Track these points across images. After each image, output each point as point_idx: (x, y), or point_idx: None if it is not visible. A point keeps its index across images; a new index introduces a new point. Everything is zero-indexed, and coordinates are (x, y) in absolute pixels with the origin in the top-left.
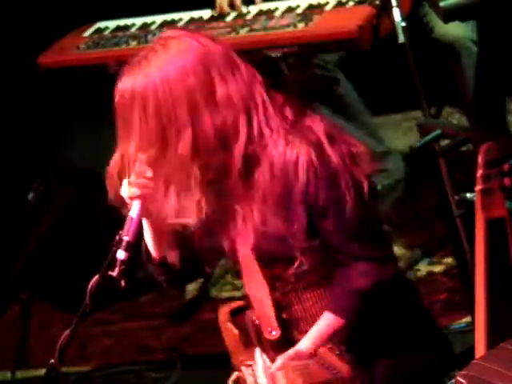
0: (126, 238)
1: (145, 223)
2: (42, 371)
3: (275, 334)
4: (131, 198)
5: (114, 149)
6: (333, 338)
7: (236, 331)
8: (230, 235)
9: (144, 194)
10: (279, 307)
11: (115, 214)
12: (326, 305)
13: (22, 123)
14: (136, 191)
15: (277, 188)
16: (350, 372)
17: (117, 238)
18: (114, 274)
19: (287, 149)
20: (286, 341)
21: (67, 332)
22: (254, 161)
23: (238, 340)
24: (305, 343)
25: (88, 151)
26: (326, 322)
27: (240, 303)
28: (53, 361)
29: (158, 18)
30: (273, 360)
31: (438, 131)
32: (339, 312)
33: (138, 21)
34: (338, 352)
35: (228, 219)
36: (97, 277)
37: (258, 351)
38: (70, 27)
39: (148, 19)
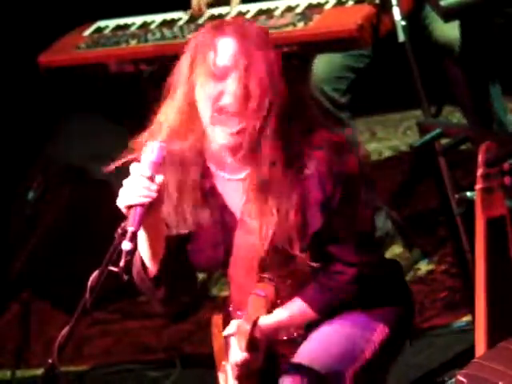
0: (131, 229)
1: (141, 235)
2: (41, 371)
3: (241, 314)
4: (128, 208)
5: (111, 147)
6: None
7: (221, 334)
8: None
9: (144, 202)
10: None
11: (114, 213)
12: (302, 293)
13: (21, 122)
14: (136, 199)
15: (301, 190)
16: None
17: (119, 230)
18: (117, 268)
19: (314, 150)
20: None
21: (67, 328)
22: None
23: (221, 345)
24: (268, 320)
25: (86, 150)
26: (298, 309)
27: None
28: (51, 360)
29: (158, 17)
30: None
31: (438, 130)
32: (314, 306)
33: (138, 20)
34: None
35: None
36: (97, 271)
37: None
38: (70, 26)
39: (148, 18)
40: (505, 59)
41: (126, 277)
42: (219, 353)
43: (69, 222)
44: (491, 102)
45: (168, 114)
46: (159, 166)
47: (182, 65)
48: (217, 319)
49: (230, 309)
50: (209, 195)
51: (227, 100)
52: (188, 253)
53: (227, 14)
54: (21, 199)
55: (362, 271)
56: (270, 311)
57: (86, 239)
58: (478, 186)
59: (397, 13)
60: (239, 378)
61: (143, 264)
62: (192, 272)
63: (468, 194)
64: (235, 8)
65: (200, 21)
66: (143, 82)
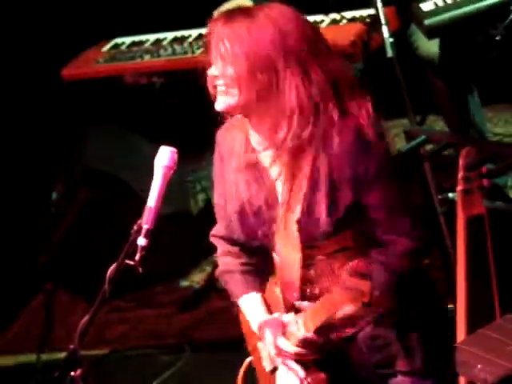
0: (146, 226)
1: None
2: (64, 354)
3: (295, 295)
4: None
5: (126, 152)
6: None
7: None
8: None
9: None
10: (306, 281)
11: (127, 210)
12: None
13: (47, 129)
14: None
15: (336, 163)
16: (369, 288)
17: (135, 227)
18: (132, 262)
19: (345, 125)
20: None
21: (87, 317)
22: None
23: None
24: (334, 295)
25: (105, 155)
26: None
27: None
28: (72, 345)
29: (170, 35)
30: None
31: (423, 137)
32: (380, 290)
33: (152, 37)
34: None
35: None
36: (115, 264)
37: (276, 315)
38: (90, 42)
39: (160, 35)
40: (484, 73)
41: (140, 270)
42: (251, 334)
43: (87, 220)
44: (471, 112)
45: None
46: (170, 169)
47: None
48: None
49: (277, 291)
50: (257, 168)
51: None
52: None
53: None
54: (46, 199)
55: (416, 244)
56: (360, 308)
57: (103, 235)
58: (459, 188)
59: (385, 31)
60: (297, 355)
61: None
62: None
63: (450, 194)
64: None
65: None
66: (155, 93)
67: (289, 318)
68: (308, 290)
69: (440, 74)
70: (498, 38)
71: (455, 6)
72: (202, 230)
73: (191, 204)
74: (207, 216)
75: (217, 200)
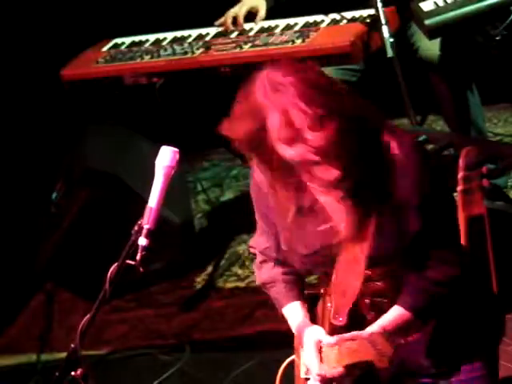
0: (146, 226)
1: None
2: (64, 354)
3: (342, 320)
4: None
5: (126, 152)
6: (403, 332)
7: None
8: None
9: None
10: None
11: (128, 210)
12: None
13: (47, 130)
14: None
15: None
16: (392, 355)
17: (135, 227)
18: (133, 262)
19: (404, 153)
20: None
21: (88, 317)
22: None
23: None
24: (370, 329)
25: (105, 155)
26: (394, 313)
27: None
28: (73, 345)
29: (169, 35)
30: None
31: (424, 137)
32: (408, 306)
33: (151, 37)
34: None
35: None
36: (116, 265)
37: (316, 329)
38: (90, 42)
39: (160, 35)
40: (484, 73)
41: (141, 270)
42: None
43: (88, 220)
44: (471, 111)
45: None
46: (172, 169)
47: None
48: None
49: (331, 311)
50: (313, 209)
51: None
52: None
53: (251, 29)
54: (46, 199)
55: (453, 272)
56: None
57: (103, 235)
58: (459, 188)
59: (385, 31)
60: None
61: None
62: None
63: None
64: (258, 24)
65: (208, 37)
66: (155, 93)
67: (328, 340)
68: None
69: (440, 73)
70: (498, 38)
71: (455, 5)
72: (202, 230)
73: (192, 205)
74: (207, 216)
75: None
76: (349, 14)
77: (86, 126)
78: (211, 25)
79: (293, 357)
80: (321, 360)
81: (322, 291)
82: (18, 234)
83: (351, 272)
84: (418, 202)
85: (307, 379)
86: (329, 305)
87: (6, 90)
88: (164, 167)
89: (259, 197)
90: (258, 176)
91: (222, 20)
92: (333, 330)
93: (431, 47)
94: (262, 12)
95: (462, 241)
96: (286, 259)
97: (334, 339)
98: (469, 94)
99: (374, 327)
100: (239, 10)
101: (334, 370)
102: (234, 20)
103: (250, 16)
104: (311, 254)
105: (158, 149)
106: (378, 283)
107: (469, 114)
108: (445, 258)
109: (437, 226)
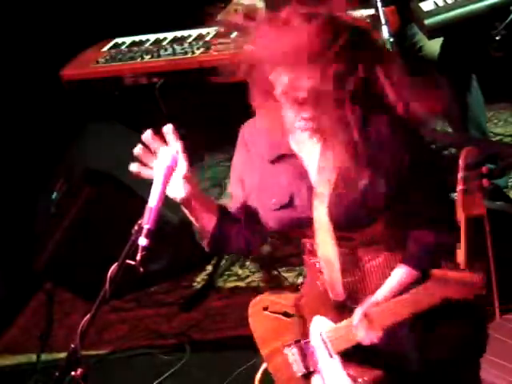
0: (146, 226)
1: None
2: (64, 354)
3: (341, 293)
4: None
5: (127, 152)
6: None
7: (277, 316)
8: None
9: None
10: (344, 277)
11: (128, 210)
12: (399, 261)
13: (46, 129)
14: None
15: (376, 151)
16: (481, 280)
17: (136, 227)
18: (134, 262)
19: (386, 116)
20: (347, 306)
21: (88, 316)
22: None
23: (277, 326)
24: (380, 293)
25: (105, 154)
26: (400, 273)
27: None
28: (73, 345)
29: (169, 35)
30: (336, 321)
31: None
32: (413, 264)
33: (151, 37)
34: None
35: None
36: (116, 264)
37: (318, 318)
38: (90, 42)
39: (160, 35)
40: (484, 73)
41: (141, 269)
42: (267, 338)
43: (88, 220)
44: (473, 111)
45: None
46: (173, 170)
47: None
48: (262, 301)
49: (320, 286)
50: (291, 159)
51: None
52: (262, 214)
53: None
54: (46, 199)
55: (444, 228)
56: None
57: (103, 235)
58: (459, 188)
59: (385, 31)
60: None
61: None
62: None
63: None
64: None
65: (208, 37)
66: (155, 93)
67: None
68: (348, 286)
69: (441, 71)
70: (497, 38)
71: (455, 5)
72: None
73: None
74: None
75: (239, 188)
76: None
77: (86, 126)
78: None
79: (265, 365)
80: (342, 341)
81: (309, 259)
82: (17, 234)
83: (326, 234)
84: (393, 167)
85: (308, 376)
86: (318, 283)
87: (6, 90)
88: (164, 167)
89: (241, 153)
90: (248, 129)
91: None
92: (337, 306)
93: (434, 46)
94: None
95: (462, 241)
96: (257, 221)
97: (359, 313)
98: (471, 94)
99: (382, 293)
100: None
101: (373, 335)
102: None
103: None
104: (283, 206)
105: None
106: (359, 249)
107: (471, 113)
108: (433, 219)
109: (426, 186)
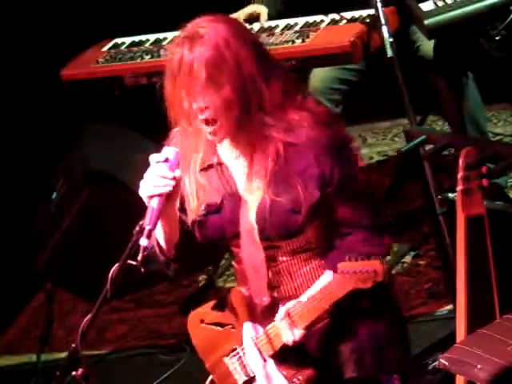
0: (148, 227)
1: (159, 226)
2: (64, 354)
3: (266, 299)
4: (149, 198)
5: (127, 152)
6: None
7: (212, 328)
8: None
9: (163, 192)
10: (270, 284)
11: (128, 210)
12: (326, 266)
13: (46, 129)
14: (156, 190)
15: (296, 163)
16: (381, 267)
17: (137, 228)
18: (135, 262)
19: (308, 128)
20: (274, 310)
21: (89, 316)
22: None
23: (214, 337)
24: (304, 296)
25: (105, 155)
26: (325, 279)
27: (207, 308)
28: (74, 345)
29: (169, 35)
30: (264, 326)
31: (423, 137)
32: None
33: (151, 37)
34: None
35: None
36: (117, 265)
37: (247, 324)
38: (90, 42)
39: (160, 35)
40: (484, 73)
41: (143, 270)
42: (209, 349)
43: (88, 220)
44: (472, 111)
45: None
46: (176, 168)
47: None
48: (197, 314)
49: (245, 292)
50: (218, 168)
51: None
52: (197, 227)
53: (251, 29)
54: (45, 199)
55: (374, 233)
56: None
57: (103, 236)
58: (459, 188)
59: (385, 31)
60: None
61: (159, 245)
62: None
63: (450, 194)
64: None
65: None
66: (156, 93)
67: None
68: (274, 293)
69: (438, 71)
70: (497, 38)
71: (455, 6)
72: None
73: None
74: None
75: None
76: (349, 14)
77: (86, 126)
78: None
79: (211, 377)
80: (271, 344)
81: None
82: (17, 234)
83: (253, 242)
84: (319, 176)
85: (247, 382)
86: (243, 290)
87: (7, 90)
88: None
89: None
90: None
91: None
92: (263, 312)
93: (431, 47)
94: (265, 15)
95: (462, 242)
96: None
97: (282, 312)
98: (468, 93)
99: (308, 294)
100: (238, 16)
101: (297, 334)
102: None
103: (252, 22)
104: (211, 213)
105: (159, 149)
106: (284, 258)
107: (468, 112)
108: (364, 224)
109: (346, 196)
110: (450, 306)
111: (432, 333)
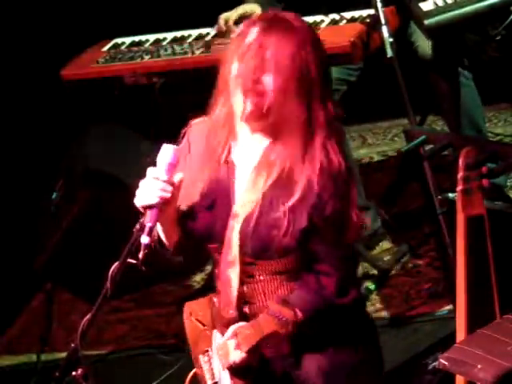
0: (148, 225)
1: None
2: (64, 354)
3: (232, 313)
4: (144, 208)
5: (127, 152)
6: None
7: (196, 324)
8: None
9: (160, 202)
10: (243, 299)
11: (128, 210)
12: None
13: (47, 129)
14: (151, 200)
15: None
16: (295, 316)
17: (137, 225)
18: (135, 261)
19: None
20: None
21: (89, 316)
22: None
23: (196, 333)
24: (262, 319)
25: (105, 155)
26: (281, 304)
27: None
28: (73, 345)
29: (169, 35)
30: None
31: (423, 137)
32: (303, 309)
33: (151, 37)
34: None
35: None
36: (118, 263)
37: (215, 332)
38: (90, 42)
39: (160, 35)
40: (484, 73)
41: (143, 268)
42: (194, 344)
43: (88, 220)
44: (471, 111)
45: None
46: (174, 167)
47: None
48: (189, 306)
49: (216, 302)
50: (226, 167)
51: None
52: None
53: None
54: (46, 199)
55: (343, 278)
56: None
57: (104, 236)
58: (459, 188)
59: (385, 31)
60: (233, 374)
61: (160, 241)
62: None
63: (450, 194)
64: None
65: (208, 37)
66: (155, 93)
67: (224, 337)
68: (245, 309)
69: (434, 69)
70: (498, 38)
71: (455, 5)
72: None
73: None
74: None
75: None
76: (349, 14)
77: (87, 127)
78: (211, 25)
79: (194, 370)
80: (226, 358)
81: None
82: (17, 234)
83: (231, 255)
84: (315, 204)
85: None
86: (215, 300)
87: (7, 91)
88: (167, 165)
89: (181, 153)
90: (194, 130)
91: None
92: (228, 324)
93: (429, 46)
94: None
95: (461, 242)
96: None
97: (230, 331)
98: (467, 93)
99: (264, 319)
100: (230, 15)
101: (238, 356)
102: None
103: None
104: (204, 207)
105: (158, 149)
106: (261, 277)
107: (466, 111)
108: (338, 266)
109: (331, 231)
110: (449, 306)
111: (432, 333)
